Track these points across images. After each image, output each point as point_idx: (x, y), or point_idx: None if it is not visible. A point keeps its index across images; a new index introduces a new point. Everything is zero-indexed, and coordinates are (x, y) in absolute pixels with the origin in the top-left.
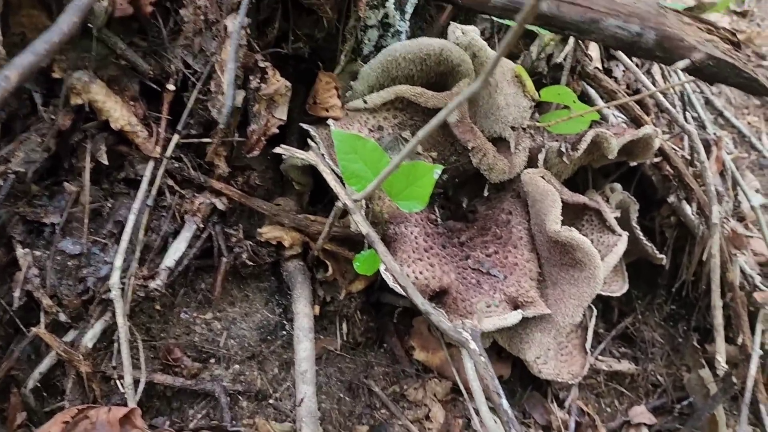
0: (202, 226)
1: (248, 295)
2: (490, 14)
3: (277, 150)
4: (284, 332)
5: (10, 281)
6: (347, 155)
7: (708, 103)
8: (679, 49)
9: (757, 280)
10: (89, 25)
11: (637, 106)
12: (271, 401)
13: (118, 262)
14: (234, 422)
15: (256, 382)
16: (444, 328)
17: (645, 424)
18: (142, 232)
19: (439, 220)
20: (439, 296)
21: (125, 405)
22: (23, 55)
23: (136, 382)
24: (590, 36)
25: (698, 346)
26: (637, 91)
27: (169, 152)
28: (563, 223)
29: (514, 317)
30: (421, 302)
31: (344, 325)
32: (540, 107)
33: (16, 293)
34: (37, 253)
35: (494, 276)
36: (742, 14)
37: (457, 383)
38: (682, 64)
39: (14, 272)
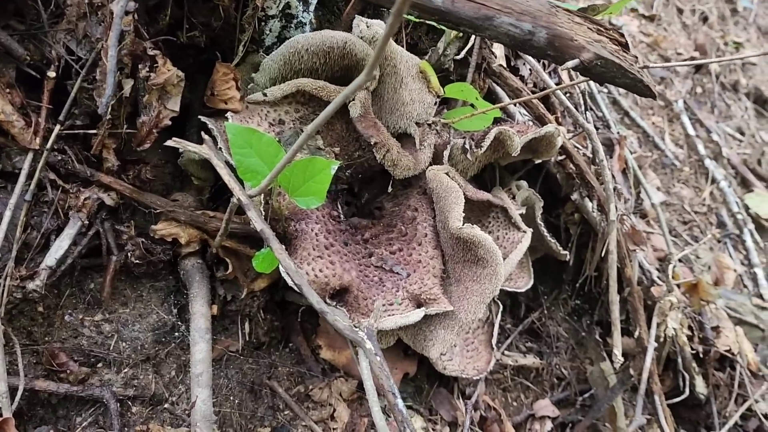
0: (88, 222)
1: (142, 295)
2: (388, 8)
3: (170, 143)
4: (180, 333)
5: None
6: (242, 149)
7: (615, 103)
8: (570, 49)
9: (655, 275)
10: None
11: (542, 105)
12: (166, 406)
13: None
14: (126, 429)
15: (151, 386)
16: (339, 327)
17: (549, 417)
18: (20, 229)
19: (342, 216)
20: (340, 294)
21: (1, 415)
22: None
23: (14, 389)
24: (484, 33)
25: (600, 340)
26: (543, 90)
27: (50, 144)
28: (470, 220)
29: (416, 315)
30: (317, 301)
31: (247, 325)
32: (448, 104)
33: None
34: None
35: (397, 273)
36: (650, 18)
37: (363, 382)
38: (572, 63)
39: None
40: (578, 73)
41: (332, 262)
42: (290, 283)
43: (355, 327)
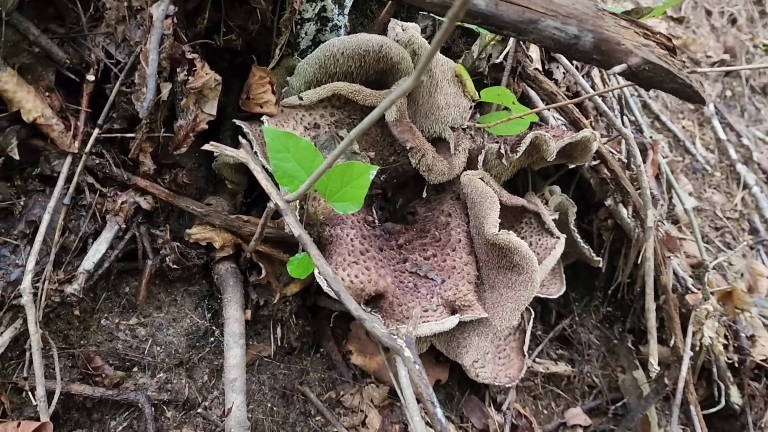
0: (124, 226)
1: (176, 299)
2: (429, 11)
3: (206, 147)
4: (214, 338)
5: None
6: (279, 154)
7: (645, 106)
8: (617, 53)
9: (689, 282)
10: None
11: (576, 109)
12: (199, 410)
13: (31, 264)
14: None
15: (184, 391)
16: (377, 334)
17: (580, 426)
18: (58, 233)
19: (376, 221)
20: (375, 300)
21: (38, 419)
22: None
23: (51, 393)
24: (528, 36)
25: (633, 348)
26: (576, 94)
27: (88, 147)
28: (503, 225)
29: (451, 322)
30: (355, 308)
31: (279, 330)
32: (481, 108)
33: None
34: None
35: (432, 279)
36: (679, 20)
37: (394, 388)
38: (619, 68)
39: None
40: (617, 77)
41: (368, 268)
42: (327, 289)
43: (393, 334)
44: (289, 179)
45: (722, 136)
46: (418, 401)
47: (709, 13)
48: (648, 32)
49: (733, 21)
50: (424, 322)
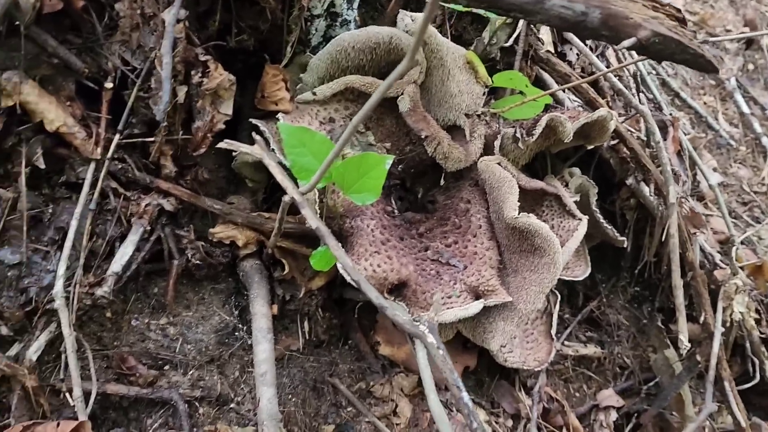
0: (150, 228)
1: (204, 297)
2: None
3: (221, 145)
4: (243, 334)
5: None
6: (295, 149)
7: (664, 84)
8: (625, 27)
9: (717, 258)
10: (16, 22)
11: (592, 90)
12: (232, 405)
13: (62, 269)
14: (195, 429)
15: (217, 387)
16: (399, 322)
17: (613, 407)
18: (86, 238)
19: (396, 211)
20: (398, 289)
21: (76, 419)
22: None
23: (88, 394)
24: (535, 17)
25: (663, 327)
26: (591, 75)
27: (110, 153)
28: (522, 209)
29: (475, 307)
30: (376, 296)
31: (306, 324)
32: (495, 93)
33: None
34: None
35: (454, 266)
36: None
37: (420, 374)
38: (628, 42)
39: None
40: (630, 53)
41: (389, 257)
42: (348, 279)
43: (416, 321)
44: (306, 173)
45: (745, 109)
46: (445, 388)
47: None
48: (656, 4)
49: None
50: (448, 308)
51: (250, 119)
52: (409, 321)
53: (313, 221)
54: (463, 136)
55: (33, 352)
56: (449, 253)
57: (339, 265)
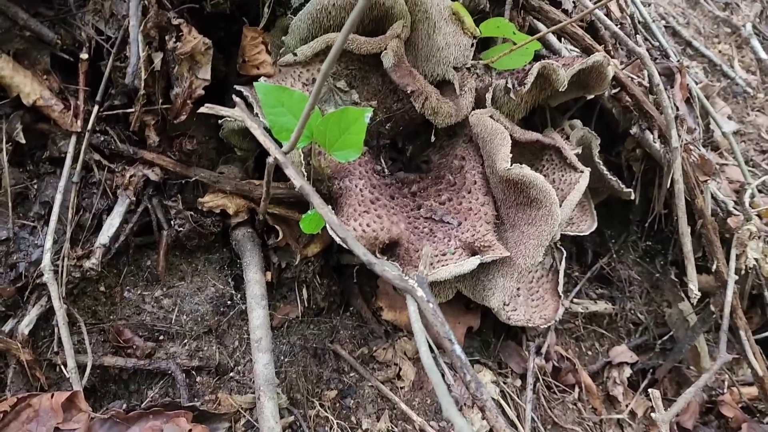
0: (136, 199)
1: (198, 268)
2: None
3: (202, 110)
4: (239, 303)
5: None
6: (274, 108)
7: (675, 34)
8: None
9: (731, 206)
10: None
11: (588, 36)
12: (232, 374)
13: (49, 243)
14: (196, 399)
15: (215, 357)
16: (388, 277)
17: (627, 363)
18: (72, 211)
19: (386, 171)
20: (390, 248)
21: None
22: None
23: (83, 366)
24: None
25: (676, 280)
26: (591, 24)
27: (90, 125)
28: (521, 163)
29: (471, 263)
30: (363, 253)
31: (304, 291)
32: (487, 47)
33: None
34: None
35: (448, 223)
36: None
37: (427, 339)
38: None
39: None
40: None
41: (379, 216)
42: (336, 239)
43: (405, 276)
44: (286, 133)
45: (763, 56)
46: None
47: None
48: None
49: None
50: (443, 265)
51: (234, 86)
52: (398, 276)
53: (297, 180)
54: (453, 90)
55: (25, 326)
56: (443, 211)
57: (328, 227)
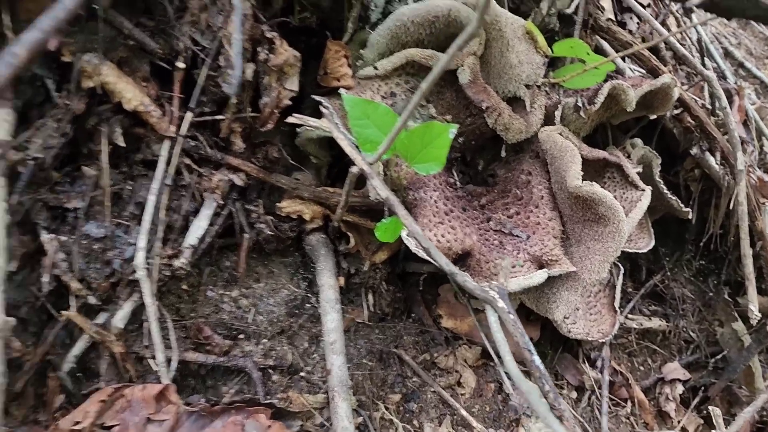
0: (221, 203)
1: (273, 270)
2: None
3: (290, 119)
4: (311, 306)
5: (38, 267)
6: (360, 121)
7: (728, 54)
8: None
9: None
10: (95, 6)
11: (654, 57)
12: (302, 374)
13: (142, 242)
14: (269, 396)
15: (287, 357)
16: (470, 287)
17: (679, 380)
18: (163, 212)
19: (458, 183)
20: (462, 259)
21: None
22: (30, 32)
23: (169, 360)
24: None
25: (730, 300)
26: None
27: (183, 131)
28: (584, 179)
29: (539, 276)
30: (446, 263)
31: (370, 297)
32: (555, 65)
33: (45, 279)
34: (63, 238)
35: (517, 236)
36: None
37: (486, 349)
38: (697, 0)
39: (41, 258)
40: (692, 19)
41: (453, 227)
42: (415, 249)
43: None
44: (371, 145)
45: None
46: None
47: None
48: None
49: None
50: (512, 277)
51: (313, 96)
52: (479, 287)
53: (383, 191)
54: (524, 107)
55: (119, 320)
56: (512, 224)
57: (405, 236)
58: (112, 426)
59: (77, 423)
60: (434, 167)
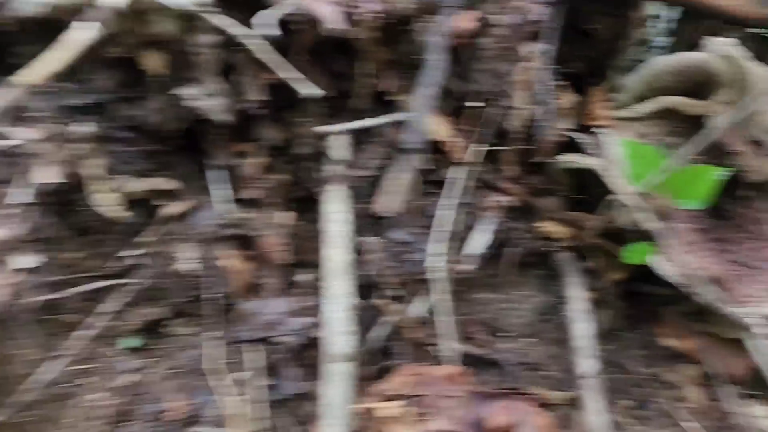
0: (496, 220)
1: (527, 280)
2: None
3: (563, 158)
4: (558, 314)
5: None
6: (632, 159)
7: None
8: None
9: None
10: None
11: None
12: (549, 373)
13: (435, 249)
14: (519, 388)
15: (537, 356)
16: (733, 313)
17: None
18: (451, 225)
19: (698, 216)
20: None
21: None
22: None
23: (452, 350)
24: None
25: None
26: None
27: (471, 159)
28: None
29: None
30: (702, 289)
31: (605, 311)
32: None
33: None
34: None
35: (760, 269)
36: None
37: (706, 370)
38: None
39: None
40: None
41: (701, 257)
42: (663, 272)
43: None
44: (638, 179)
45: None
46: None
47: None
48: None
49: None
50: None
51: (572, 134)
52: (742, 313)
53: (650, 222)
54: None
55: (415, 311)
56: (750, 258)
57: (651, 260)
58: (411, 396)
59: (385, 390)
60: (697, 204)
